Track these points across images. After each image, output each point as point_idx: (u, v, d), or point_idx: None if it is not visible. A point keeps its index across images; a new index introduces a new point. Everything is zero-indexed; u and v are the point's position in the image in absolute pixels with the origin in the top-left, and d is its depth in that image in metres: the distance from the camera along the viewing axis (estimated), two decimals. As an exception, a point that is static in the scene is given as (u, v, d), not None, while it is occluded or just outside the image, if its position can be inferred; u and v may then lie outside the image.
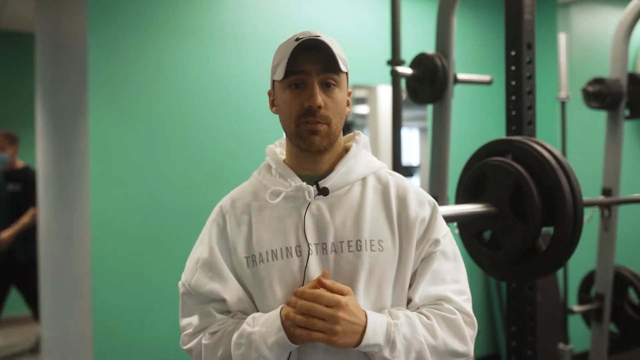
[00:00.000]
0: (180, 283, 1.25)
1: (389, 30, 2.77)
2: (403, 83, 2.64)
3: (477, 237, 1.79)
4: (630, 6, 2.88)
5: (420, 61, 2.48)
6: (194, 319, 1.21)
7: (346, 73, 1.21)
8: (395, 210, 1.20)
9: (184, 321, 1.23)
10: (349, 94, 1.25)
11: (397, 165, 2.64)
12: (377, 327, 1.09)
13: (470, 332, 1.19)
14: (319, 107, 1.14)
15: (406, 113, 4.05)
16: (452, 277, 1.21)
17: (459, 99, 3.96)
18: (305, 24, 3.59)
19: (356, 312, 1.08)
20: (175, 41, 3.22)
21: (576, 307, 3.07)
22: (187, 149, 3.23)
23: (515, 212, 1.64)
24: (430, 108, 4.12)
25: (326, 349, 1.14)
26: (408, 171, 4.62)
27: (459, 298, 1.20)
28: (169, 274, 3.08)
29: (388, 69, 2.63)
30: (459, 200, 1.81)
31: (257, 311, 1.19)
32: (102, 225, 3.02)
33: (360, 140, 1.27)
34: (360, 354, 1.13)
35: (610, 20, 4.60)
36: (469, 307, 1.22)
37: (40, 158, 4.36)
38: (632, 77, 3.01)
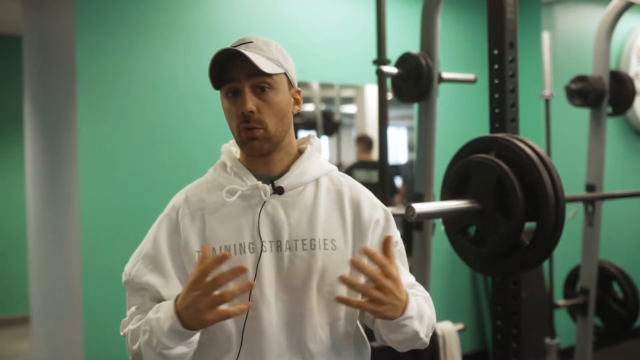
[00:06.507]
0: (123, 272, 1.27)
1: (374, 29, 2.79)
2: (389, 82, 2.67)
3: (462, 233, 1.81)
4: (612, 5, 2.92)
5: (405, 60, 2.51)
6: (133, 308, 1.23)
7: (285, 73, 1.23)
8: (349, 212, 1.25)
9: (128, 311, 1.25)
10: (298, 92, 1.28)
11: (384, 164, 2.67)
12: (411, 300, 1.15)
13: None
14: (251, 112, 1.17)
15: (393, 112, 4.08)
16: (406, 272, 1.32)
17: (444, 98, 3.99)
18: (290, 24, 3.61)
19: (402, 288, 1.13)
20: (163, 42, 3.23)
21: (561, 302, 3.11)
22: (176, 149, 3.24)
23: (498, 208, 1.67)
24: (415, 107, 4.16)
25: (277, 328, 1.17)
26: (395, 169, 4.65)
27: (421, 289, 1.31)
28: (158, 274, 3.08)
29: (374, 68, 2.66)
30: (444, 197, 1.84)
31: None
32: (92, 226, 3.02)
33: (314, 143, 1.31)
34: (314, 336, 1.19)
35: (593, 19, 4.65)
36: None
37: (29, 160, 4.35)
38: (614, 75, 3.06)
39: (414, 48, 2.57)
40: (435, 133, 2.55)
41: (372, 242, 1.25)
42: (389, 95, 2.76)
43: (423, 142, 2.56)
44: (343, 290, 1.21)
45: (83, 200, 3.00)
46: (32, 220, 4.25)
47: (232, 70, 1.18)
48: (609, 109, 3.09)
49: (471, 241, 1.79)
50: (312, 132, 1.37)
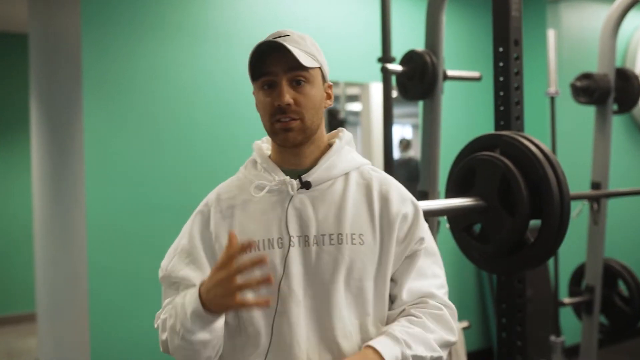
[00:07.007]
0: (160, 269, 1.29)
1: (379, 27, 2.79)
2: (394, 80, 2.67)
3: (467, 231, 1.81)
4: (618, 2, 2.92)
5: (410, 58, 2.51)
6: (167, 300, 1.25)
7: (319, 68, 1.24)
8: (377, 206, 1.24)
9: (163, 303, 1.27)
10: (329, 86, 1.28)
11: (389, 161, 2.67)
12: (382, 341, 1.14)
13: (454, 322, 1.27)
14: (288, 104, 1.18)
15: (399, 110, 4.07)
16: (432, 271, 1.28)
17: (449, 95, 3.98)
18: (296, 22, 3.61)
19: (359, 356, 1.12)
20: (168, 40, 3.24)
21: (567, 300, 3.11)
22: (180, 148, 3.25)
23: (503, 205, 1.67)
24: (420, 104, 4.16)
25: (307, 323, 1.18)
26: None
27: (440, 292, 1.27)
28: (164, 272, 3.09)
29: (379, 66, 2.66)
30: (449, 194, 1.84)
31: None
32: (98, 224, 3.03)
33: (344, 137, 1.30)
34: (342, 330, 1.18)
35: (598, 16, 4.64)
36: (448, 299, 1.29)
37: (35, 158, 4.37)
38: (619, 72, 3.05)
39: (419, 46, 2.57)
40: (440, 130, 2.55)
41: (398, 237, 1.23)
42: (394, 93, 2.76)
43: (428, 139, 2.56)
44: (370, 286, 1.21)
45: (89, 198, 3.02)
46: (38, 218, 4.27)
47: (269, 62, 1.19)
48: (615, 107, 3.08)
49: (476, 239, 1.79)
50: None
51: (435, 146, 2.54)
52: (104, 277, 3.03)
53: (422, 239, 1.26)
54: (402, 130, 4.91)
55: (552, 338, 3.32)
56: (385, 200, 1.24)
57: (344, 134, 1.31)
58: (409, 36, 3.81)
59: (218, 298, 1.07)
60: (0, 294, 5.94)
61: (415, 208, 1.28)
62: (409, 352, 1.14)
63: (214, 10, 3.38)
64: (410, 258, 1.25)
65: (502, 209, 1.67)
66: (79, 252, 3.13)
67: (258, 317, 1.19)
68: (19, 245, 5.93)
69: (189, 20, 3.30)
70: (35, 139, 4.29)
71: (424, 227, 1.28)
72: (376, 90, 4.09)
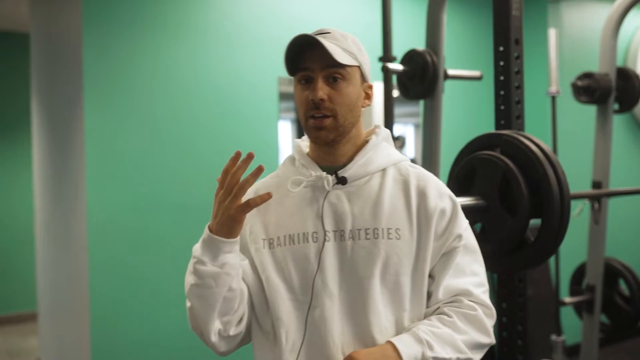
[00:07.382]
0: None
1: (380, 27, 2.80)
2: (395, 79, 2.67)
3: (468, 230, 1.81)
4: (619, 1, 2.91)
5: (410, 57, 2.51)
6: None
7: (358, 67, 1.24)
8: (414, 200, 1.23)
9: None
10: (369, 87, 1.28)
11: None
12: (403, 339, 1.13)
13: (491, 323, 1.23)
14: (322, 100, 1.18)
15: (400, 109, 4.07)
16: (471, 269, 1.25)
17: (450, 95, 3.99)
18: (297, 22, 3.61)
19: (374, 350, 1.12)
20: (169, 39, 3.24)
21: (567, 299, 3.11)
22: (181, 147, 3.25)
23: (504, 205, 1.67)
24: (421, 104, 4.16)
25: (341, 318, 1.18)
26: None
27: (478, 290, 1.23)
28: (165, 271, 3.10)
29: (380, 65, 2.66)
30: (450, 193, 1.84)
31: (261, 288, 1.23)
32: (99, 223, 3.03)
33: (381, 133, 1.30)
34: (378, 326, 1.17)
35: (600, 16, 4.64)
36: (487, 298, 1.25)
37: (36, 157, 4.38)
38: (620, 72, 3.05)
39: (420, 45, 2.57)
40: (440, 130, 2.55)
41: (436, 233, 1.22)
42: (395, 92, 2.76)
43: (429, 138, 2.56)
44: (407, 281, 1.20)
45: (90, 196, 3.02)
46: (39, 217, 4.28)
47: (307, 57, 1.20)
48: (616, 106, 3.08)
49: (476, 238, 1.79)
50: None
51: (436, 145, 2.55)
52: (105, 276, 3.03)
53: (460, 236, 1.23)
54: (400, 129, 4.90)
55: (553, 337, 3.32)
56: (422, 195, 1.23)
57: (381, 130, 1.31)
58: (409, 35, 3.81)
59: (226, 212, 1.11)
60: (2, 293, 5.95)
61: (454, 204, 1.26)
62: (429, 354, 1.12)
63: (214, 10, 3.39)
64: (447, 255, 1.23)
65: (502, 208, 1.67)
66: (80, 251, 3.14)
67: (291, 312, 1.19)
68: (20, 244, 5.94)
69: (189, 20, 3.30)
70: (37, 138, 4.30)
71: (463, 224, 1.26)
72: (377, 89, 4.09)
